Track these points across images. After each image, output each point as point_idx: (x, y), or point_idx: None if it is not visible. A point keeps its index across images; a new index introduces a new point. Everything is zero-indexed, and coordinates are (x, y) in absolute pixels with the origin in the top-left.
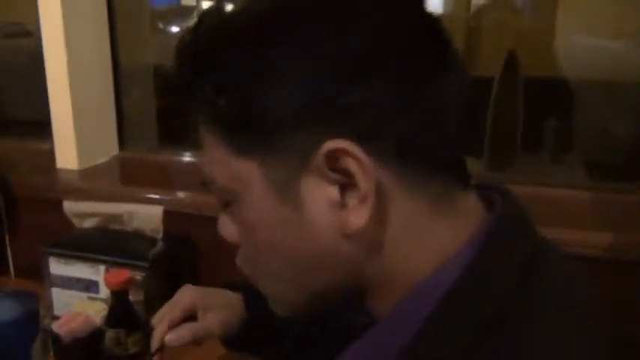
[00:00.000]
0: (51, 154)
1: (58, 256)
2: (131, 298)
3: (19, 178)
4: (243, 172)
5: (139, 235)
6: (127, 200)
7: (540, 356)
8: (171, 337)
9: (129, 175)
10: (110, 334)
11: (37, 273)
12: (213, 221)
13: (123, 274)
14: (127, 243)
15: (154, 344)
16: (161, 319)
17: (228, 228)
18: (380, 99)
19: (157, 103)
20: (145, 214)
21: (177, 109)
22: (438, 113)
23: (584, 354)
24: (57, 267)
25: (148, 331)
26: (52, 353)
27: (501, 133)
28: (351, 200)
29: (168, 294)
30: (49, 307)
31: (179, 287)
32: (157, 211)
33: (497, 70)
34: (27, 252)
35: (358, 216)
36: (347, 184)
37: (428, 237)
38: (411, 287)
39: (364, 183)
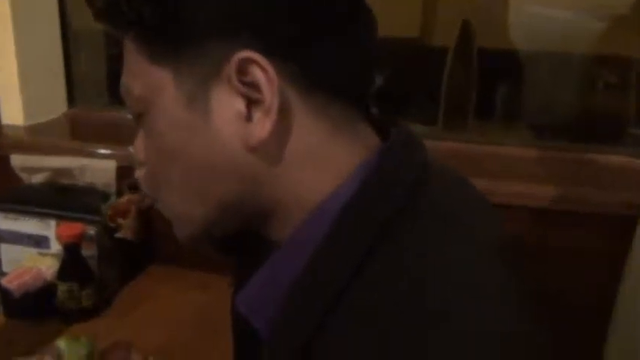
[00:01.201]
0: None
1: (6, 211)
2: (84, 252)
3: None
4: (157, 80)
5: (91, 190)
6: (78, 155)
7: (430, 261)
8: None
9: (79, 131)
10: (63, 288)
11: None
12: None
13: (75, 228)
14: (79, 198)
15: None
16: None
17: (138, 145)
18: (287, 20)
19: (107, 61)
20: (98, 169)
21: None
22: (343, 49)
23: (470, 265)
24: (5, 222)
25: (101, 286)
26: (1, 308)
27: (455, 101)
28: (257, 114)
29: (121, 249)
30: None
31: (132, 243)
32: (110, 165)
33: (452, 40)
34: None
35: (261, 128)
36: (254, 99)
37: (327, 160)
38: (310, 210)
39: (269, 95)
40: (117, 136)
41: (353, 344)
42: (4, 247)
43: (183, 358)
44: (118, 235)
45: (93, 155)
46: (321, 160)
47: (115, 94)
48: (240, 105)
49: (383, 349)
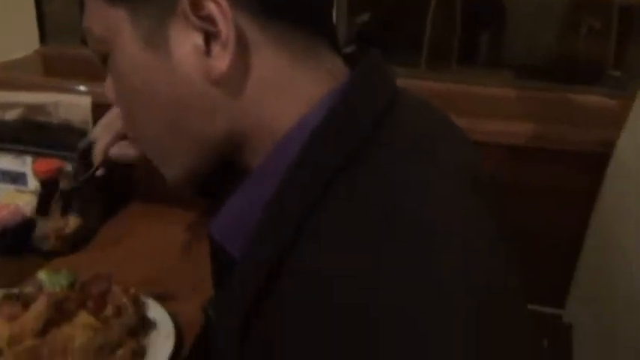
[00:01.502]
0: None
1: None
2: (62, 187)
3: None
4: (115, 21)
5: (66, 127)
6: (51, 92)
7: (397, 183)
8: (116, 150)
9: (52, 68)
10: (42, 223)
11: None
12: None
13: (52, 163)
14: (55, 135)
15: (97, 157)
16: (104, 130)
17: (108, 86)
18: None
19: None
20: (73, 105)
21: None
22: None
23: (440, 190)
24: None
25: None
26: None
27: (438, 45)
28: (215, 48)
29: (100, 186)
30: None
31: (111, 181)
32: (85, 101)
33: None
34: None
35: (221, 61)
36: (211, 33)
37: (292, 88)
38: (278, 139)
39: (225, 28)
40: (91, 73)
41: (318, 268)
42: None
43: (163, 290)
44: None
45: (67, 91)
46: (284, 89)
47: None
48: (198, 40)
49: (349, 269)
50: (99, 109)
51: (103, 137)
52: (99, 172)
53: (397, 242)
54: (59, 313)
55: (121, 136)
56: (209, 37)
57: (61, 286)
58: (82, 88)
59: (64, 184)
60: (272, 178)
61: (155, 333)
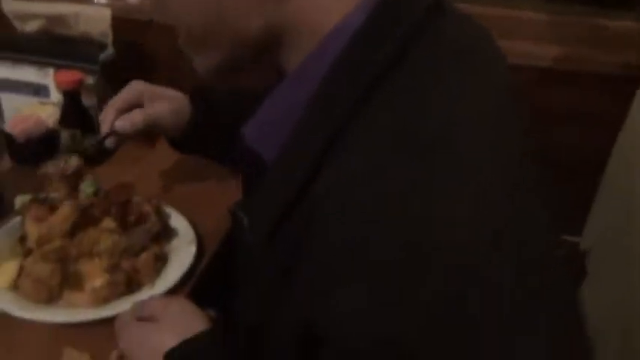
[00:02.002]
0: None
1: (3, 58)
2: (84, 102)
3: None
4: None
5: (87, 40)
6: (71, 2)
7: (437, 90)
8: (120, 123)
9: None
10: (66, 134)
11: None
12: (166, 30)
13: (74, 74)
14: (75, 47)
15: (103, 129)
16: (109, 107)
17: None
18: None
19: None
20: (93, 16)
21: None
22: None
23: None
24: (3, 70)
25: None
26: (7, 153)
27: None
28: None
29: None
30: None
31: None
32: (105, 12)
33: None
34: None
35: None
36: None
37: None
38: (321, 37)
39: None
40: None
41: (356, 171)
42: (4, 96)
43: (184, 203)
44: None
45: (86, 3)
46: None
47: None
48: None
49: (381, 177)
50: (118, 22)
51: (107, 113)
52: (108, 143)
53: (431, 150)
54: (85, 218)
55: (124, 110)
56: None
57: (85, 193)
58: (102, 0)
59: (85, 98)
60: (313, 77)
61: (177, 240)
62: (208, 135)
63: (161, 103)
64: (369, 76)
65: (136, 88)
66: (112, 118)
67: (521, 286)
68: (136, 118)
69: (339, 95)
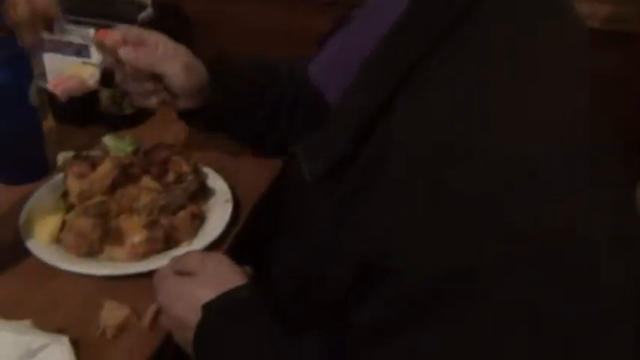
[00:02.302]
0: None
1: None
2: None
3: None
4: None
5: (126, 1)
6: None
7: (526, 30)
8: (125, 51)
9: None
10: (105, 94)
11: None
12: None
13: (114, 34)
14: (116, 7)
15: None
16: (120, 29)
17: None
18: None
19: None
20: None
21: None
22: None
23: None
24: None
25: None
26: (50, 113)
27: None
28: None
29: None
30: (42, 71)
31: None
32: None
33: None
34: None
35: None
36: None
37: None
38: None
39: None
40: None
41: (432, 109)
42: (47, 56)
43: (221, 163)
44: None
45: None
46: None
47: None
48: None
49: (466, 109)
50: None
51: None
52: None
53: (517, 83)
54: (125, 176)
55: (132, 39)
56: None
57: (125, 152)
58: None
59: None
60: (390, 13)
61: (214, 200)
62: (230, 110)
63: (175, 59)
64: (452, 11)
65: (155, 36)
66: (118, 39)
67: (616, 232)
68: (141, 54)
69: (410, 41)
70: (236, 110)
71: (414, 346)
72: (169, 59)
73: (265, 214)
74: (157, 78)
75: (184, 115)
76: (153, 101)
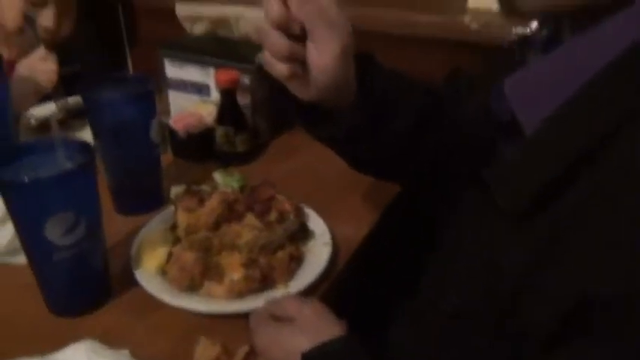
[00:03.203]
0: None
1: (172, 57)
2: (239, 101)
3: None
4: None
5: (246, 41)
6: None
7: None
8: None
9: None
10: (220, 132)
11: (155, 78)
12: None
13: (231, 74)
14: (235, 48)
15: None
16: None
17: None
18: None
19: None
20: (253, 18)
21: None
22: None
23: None
24: (171, 70)
25: (254, 133)
26: (170, 147)
27: None
28: None
29: (274, 100)
30: (167, 108)
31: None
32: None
33: None
34: (145, 58)
35: None
36: None
37: None
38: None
39: None
40: None
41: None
42: (172, 93)
43: (325, 205)
44: None
45: (249, 5)
46: None
47: None
48: None
49: None
50: None
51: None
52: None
53: None
54: (230, 212)
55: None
56: None
57: (232, 188)
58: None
59: (240, 97)
60: (620, 38)
61: (313, 242)
62: (376, 117)
63: (336, 31)
64: None
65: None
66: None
67: None
68: (309, 4)
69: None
70: (373, 121)
71: None
72: (334, 29)
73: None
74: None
75: (303, 117)
76: (282, 69)
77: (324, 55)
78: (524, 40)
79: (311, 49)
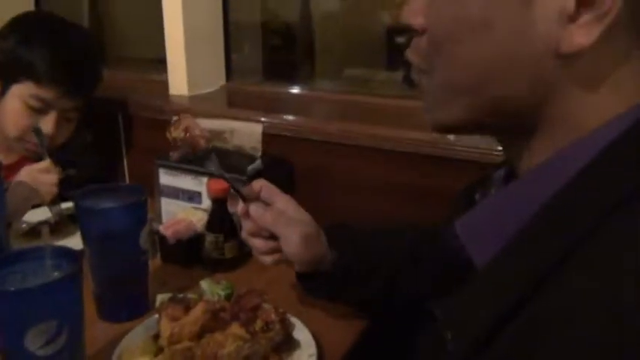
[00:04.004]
0: (166, 84)
1: (167, 167)
2: (229, 209)
3: (136, 101)
4: None
5: (239, 152)
6: (232, 120)
7: None
8: (255, 208)
9: (234, 101)
10: (210, 239)
11: (149, 184)
12: (311, 145)
13: (223, 183)
14: (228, 159)
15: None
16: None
17: (415, 7)
18: None
19: (262, 40)
20: (246, 131)
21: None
22: None
23: None
24: (165, 178)
25: (243, 241)
26: (158, 253)
27: None
28: (585, 16)
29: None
30: (158, 214)
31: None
32: (257, 128)
33: None
34: (140, 165)
35: (586, 34)
36: (587, 1)
37: (622, 85)
38: (577, 135)
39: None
40: (266, 107)
41: (580, 300)
42: (164, 200)
43: (310, 314)
44: None
45: (243, 120)
46: (617, 86)
47: (267, 73)
48: (569, 2)
49: (617, 301)
50: (268, 138)
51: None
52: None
53: None
54: (214, 321)
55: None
56: (581, 3)
57: (218, 296)
58: (255, 117)
59: (230, 206)
60: (554, 177)
61: (298, 352)
62: (352, 280)
63: (295, 227)
64: (622, 191)
65: (285, 199)
66: (257, 189)
67: None
68: (268, 214)
69: (585, 205)
70: (353, 279)
71: None
72: (291, 226)
73: None
74: (276, 238)
75: (300, 279)
76: (267, 259)
77: (288, 246)
78: (487, 176)
79: (281, 242)
